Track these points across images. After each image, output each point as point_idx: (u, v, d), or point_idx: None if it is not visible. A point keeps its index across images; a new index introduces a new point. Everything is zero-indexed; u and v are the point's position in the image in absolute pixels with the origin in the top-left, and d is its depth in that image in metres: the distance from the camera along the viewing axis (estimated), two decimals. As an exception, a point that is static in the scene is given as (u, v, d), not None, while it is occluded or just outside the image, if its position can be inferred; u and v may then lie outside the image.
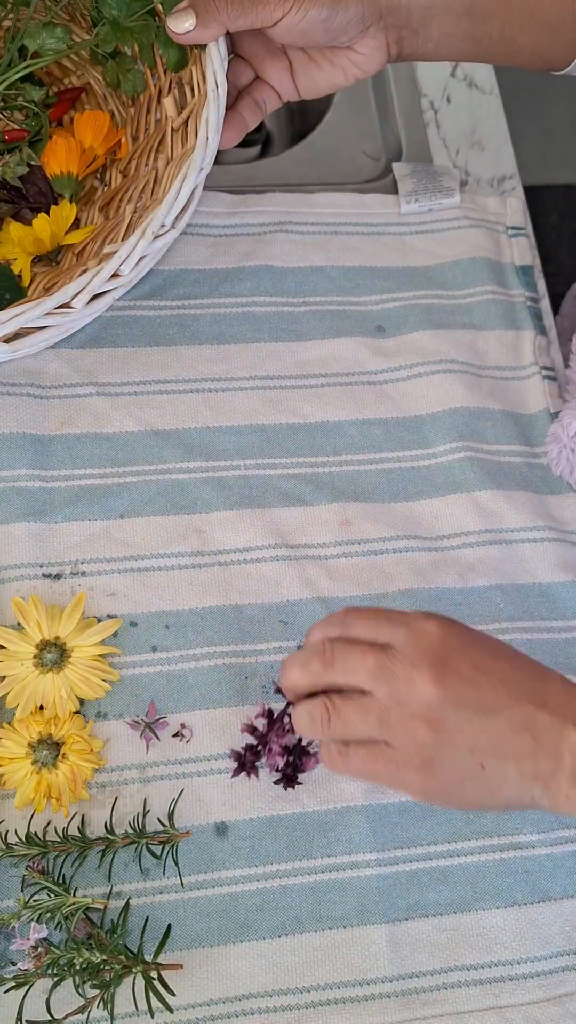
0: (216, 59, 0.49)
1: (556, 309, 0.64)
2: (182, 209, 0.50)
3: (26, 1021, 0.42)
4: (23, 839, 0.45)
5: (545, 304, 0.64)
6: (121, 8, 0.52)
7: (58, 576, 0.51)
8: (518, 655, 0.41)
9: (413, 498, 0.56)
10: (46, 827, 0.46)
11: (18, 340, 0.47)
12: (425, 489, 0.56)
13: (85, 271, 0.49)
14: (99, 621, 0.50)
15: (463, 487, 0.56)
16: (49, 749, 0.46)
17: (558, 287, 0.65)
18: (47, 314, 0.46)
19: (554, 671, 0.41)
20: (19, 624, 0.49)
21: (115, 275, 0.48)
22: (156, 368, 0.57)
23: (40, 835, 0.46)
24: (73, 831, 0.46)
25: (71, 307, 0.46)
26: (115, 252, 0.48)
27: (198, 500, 0.54)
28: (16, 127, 0.58)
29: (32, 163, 0.55)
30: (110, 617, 0.50)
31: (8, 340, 0.46)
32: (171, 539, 0.52)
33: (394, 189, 0.65)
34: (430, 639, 0.39)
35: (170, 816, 0.47)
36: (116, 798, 0.47)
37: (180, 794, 0.47)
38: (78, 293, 0.46)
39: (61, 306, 0.46)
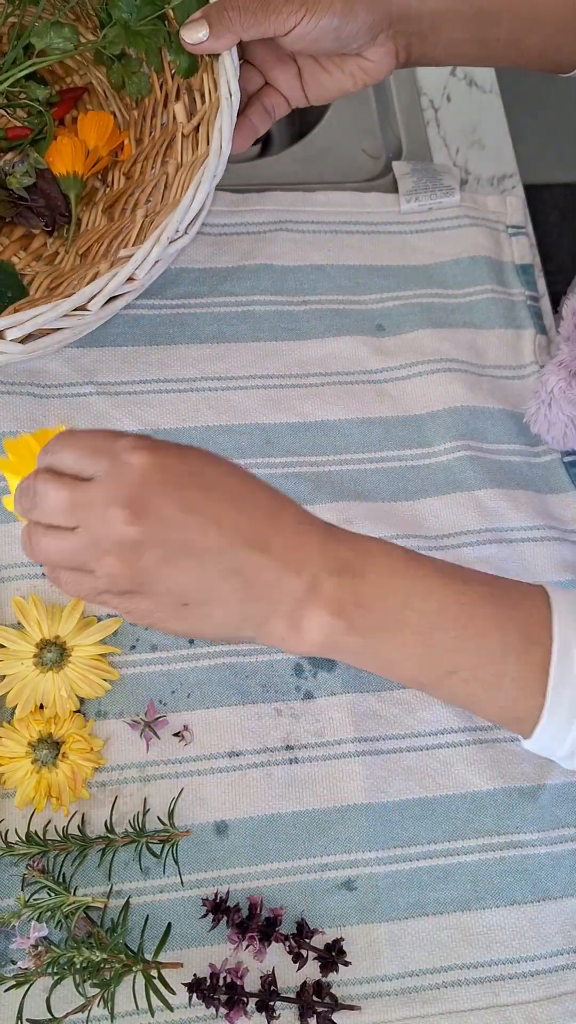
0: (229, 67, 0.50)
1: (556, 308, 0.64)
2: (195, 217, 0.50)
3: (26, 1020, 0.42)
4: (23, 838, 0.45)
5: (545, 303, 0.64)
6: (132, 11, 0.52)
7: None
8: (253, 490, 0.37)
9: (413, 497, 0.56)
10: (46, 826, 0.46)
11: (32, 341, 0.47)
12: (425, 488, 0.56)
13: (98, 274, 0.49)
14: (99, 620, 0.50)
15: (463, 486, 0.56)
16: (49, 748, 0.46)
17: (558, 286, 0.65)
18: (64, 316, 0.46)
19: (292, 506, 0.38)
20: (19, 623, 0.49)
21: (130, 279, 0.48)
22: (156, 367, 0.57)
23: (40, 834, 0.46)
24: (73, 830, 0.46)
25: (87, 309, 0.46)
26: (131, 256, 0.48)
27: (198, 499, 0.54)
28: (19, 125, 0.58)
29: (39, 167, 0.55)
30: (110, 616, 0.50)
31: (22, 341, 0.46)
32: (171, 538, 0.52)
33: (394, 188, 0.65)
34: (131, 475, 0.35)
35: (170, 815, 0.47)
36: (116, 797, 0.47)
37: (180, 793, 0.47)
38: (95, 296, 0.47)
39: (77, 308, 0.46)
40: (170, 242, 0.49)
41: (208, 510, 0.36)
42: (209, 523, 0.36)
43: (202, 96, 0.55)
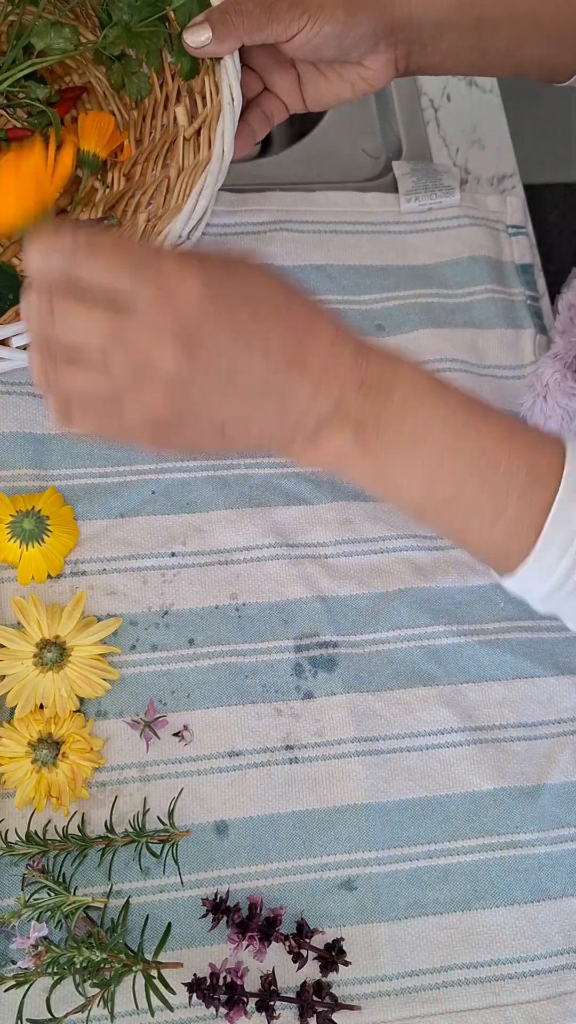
0: (231, 71, 0.50)
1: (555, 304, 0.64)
2: (197, 222, 0.50)
3: (26, 1020, 0.42)
4: (23, 838, 0.45)
5: (545, 303, 0.64)
6: (132, 12, 0.52)
7: (58, 575, 0.51)
8: (293, 303, 0.36)
9: (413, 497, 0.56)
10: (46, 826, 0.46)
11: None
12: (425, 488, 0.56)
13: None
14: (99, 620, 0.50)
15: (463, 486, 0.56)
16: (49, 748, 0.46)
17: (558, 286, 0.65)
18: None
19: (326, 318, 0.36)
20: (19, 623, 0.49)
21: None
22: (156, 367, 0.57)
23: (40, 834, 0.46)
24: (73, 830, 0.46)
25: None
26: None
27: (198, 499, 0.54)
28: (19, 125, 0.58)
29: None
30: (110, 616, 0.50)
31: (26, 347, 0.47)
32: (171, 538, 0.52)
33: (394, 188, 0.65)
34: (183, 305, 0.33)
35: (170, 815, 0.47)
36: (116, 797, 0.47)
37: (180, 793, 0.47)
38: None
39: None
40: (173, 248, 0.49)
41: (256, 333, 0.35)
42: (256, 348, 0.35)
43: (203, 99, 0.55)
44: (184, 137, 0.56)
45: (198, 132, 0.55)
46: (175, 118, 0.57)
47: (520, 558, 0.37)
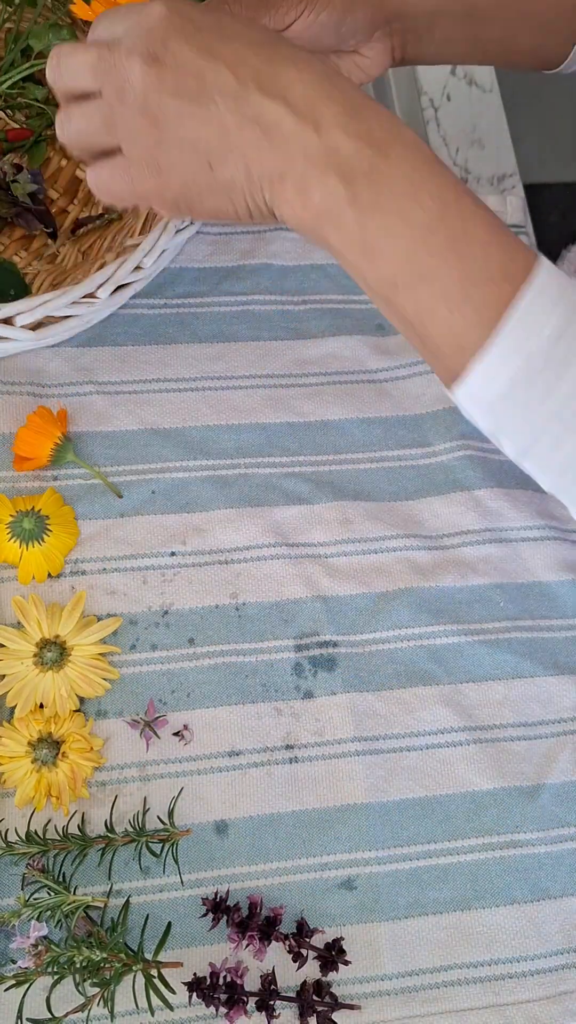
0: None
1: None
2: None
3: (26, 1019, 0.42)
4: (23, 837, 0.45)
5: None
6: None
7: (58, 575, 0.51)
8: (276, 41, 0.37)
9: (413, 497, 0.56)
10: (46, 825, 0.46)
11: (42, 328, 0.47)
12: (425, 488, 0.56)
13: (105, 263, 0.49)
14: (99, 619, 0.50)
15: (463, 485, 0.56)
16: (49, 747, 0.46)
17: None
18: (73, 303, 0.46)
19: (322, 64, 0.37)
20: (19, 623, 0.49)
21: (137, 268, 0.48)
22: (156, 366, 0.57)
23: (40, 833, 0.46)
24: (73, 829, 0.46)
25: (96, 297, 0.47)
26: (138, 245, 0.48)
27: (198, 499, 0.54)
28: (17, 127, 0.58)
29: (34, 186, 0.55)
30: (110, 615, 0.50)
31: (33, 328, 0.47)
32: (171, 538, 0.52)
33: (394, 187, 0.65)
34: (149, 23, 0.35)
35: (170, 814, 0.47)
36: (116, 796, 0.47)
37: (180, 792, 0.47)
38: (103, 283, 0.47)
39: (86, 296, 0.47)
40: (177, 231, 0.49)
41: (225, 54, 0.35)
42: (227, 67, 0.35)
43: None
44: None
45: None
46: None
47: (474, 350, 0.36)
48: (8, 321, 0.45)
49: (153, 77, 0.35)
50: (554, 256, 0.76)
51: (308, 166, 0.35)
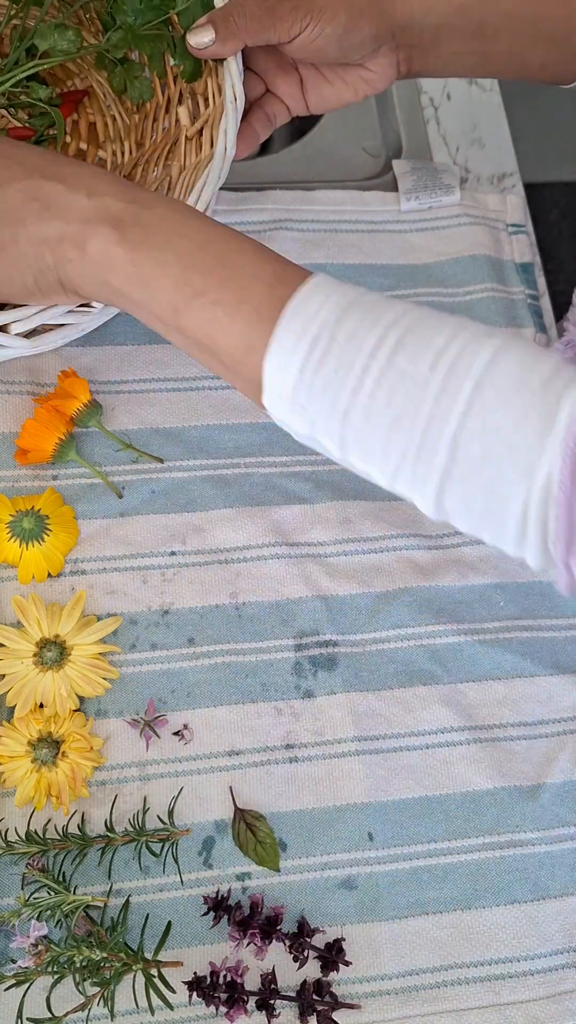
0: (234, 71, 0.50)
1: (556, 310, 0.64)
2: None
3: (27, 1019, 0.42)
4: (23, 837, 0.45)
5: (545, 302, 0.64)
6: (137, 15, 0.52)
7: (58, 574, 0.51)
8: (58, 158, 0.43)
9: (413, 496, 0.56)
10: (46, 825, 0.46)
11: (37, 336, 0.47)
12: (425, 487, 0.56)
13: None
14: (99, 619, 0.50)
15: (463, 485, 0.56)
16: (49, 747, 0.46)
17: (558, 284, 0.65)
18: (68, 312, 0.46)
19: (101, 172, 0.42)
20: (19, 622, 0.49)
21: None
22: (156, 366, 0.57)
23: (40, 833, 0.46)
24: (73, 829, 0.46)
25: (92, 307, 0.47)
26: None
27: (198, 498, 0.54)
28: (20, 126, 0.58)
29: None
30: (110, 615, 0.50)
31: (27, 335, 0.47)
32: (171, 537, 0.52)
33: (394, 186, 0.65)
34: None
35: (170, 814, 0.47)
36: (116, 796, 0.47)
37: (180, 792, 0.47)
38: None
39: (81, 305, 0.47)
40: None
41: (13, 155, 0.43)
42: (14, 162, 0.42)
43: (205, 100, 0.55)
44: (186, 137, 0.56)
45: (200, 132, 0.55)
46: (177, 119, 0.57)
47: (262, 347, 0.38)
48: (3, 329, 0.45)
49: None
50: (555, 255, 0.76)
51: (82, 225, 0.41)
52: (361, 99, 0.53)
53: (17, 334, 0.46)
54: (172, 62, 0.54)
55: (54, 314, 0.46)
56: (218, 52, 0.49)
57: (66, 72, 0.61)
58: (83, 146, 0.61)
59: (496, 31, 0.51)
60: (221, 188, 0.61)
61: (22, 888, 0.45)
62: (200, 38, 0.49)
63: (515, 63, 0.53)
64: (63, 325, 0.48)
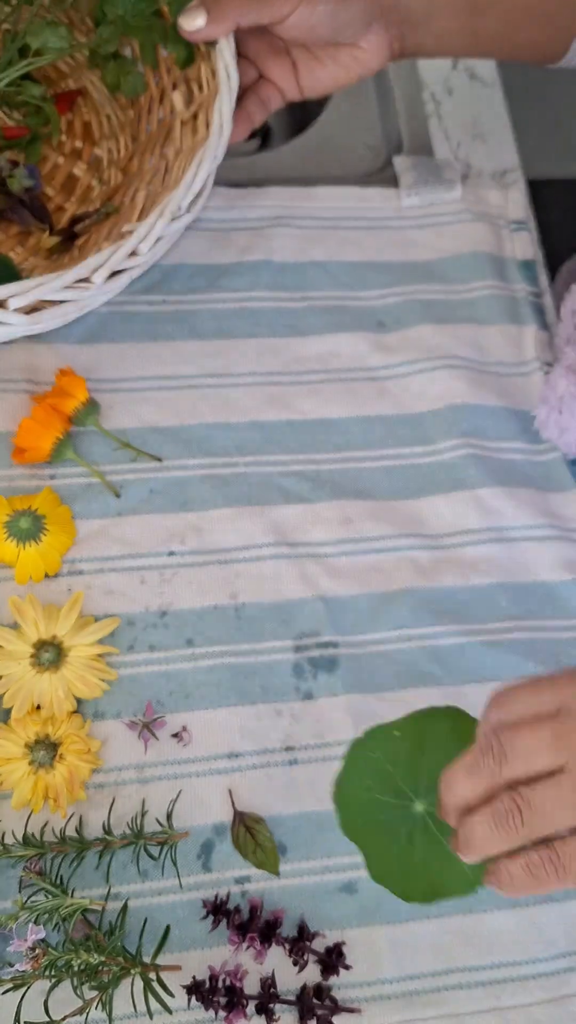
0: (227, 52, 0.50)
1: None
2: (196, 196, 0.50)
3: (24, 1023, 0.42)
4: (20, 840, 0.45)
5: (547, 299, 0.63)
6: (127, 7, 0.52)
7: (55, 575, 0.50)
8: None
9: (414, 495, 0.55)
10: (43, 828, 0.46)
11: (36, 313, 0.47)
12: (426, 486, 0.56)
13: (101, 250, 0.49)
14: (96, 620, 0.49)
15: (465, 484, 0.56)
16: (46, 749, 0.46)
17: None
18: (66, 287, 0.46)
19: None
20: (16, 623, 0.48)
21: (133, 254, 0.48)
22: (154, 364, 0.56)
23: (37, 836, 0.45)
24: (71, 832, 0.46)
25: (90, 282, 0.46)
26: (134, 231, 0.48)
27: (197, 498, 0.53)
28: (13, 125, 0.57)
29: (30, 181, 0.55)
30: (108, 616, 0.50)
31: (27, 312, 0.46)
32: (169, 537, 0.52)
33: (395, 183, 0.64)
34: None
35: (168, 816, 0.46)
36: (114, 799, 0.47)
37: (178, 794, 0.47)
38: (98, 268, 0.46)
39: (80, 280, 0.46)
40: (173, 219, 0.48)
41: None
42: None
43: (199, 86, 0.55)
44: (181, 121, 0.56)
45: (195, 116, 0.55)
46: (172, 107, 0.56)
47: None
48: (1, 305, 0.45)
49: None
50: (557, 252, 0.76)
51: None
52: (355, 80, 0.53)
53: (16, 310, 0.45)
54: (164, 52, 0.54)
55: (53, 288, 0.45)
56: (210, 34, 0.49)
57: (59, 73, 0.61)
58: (79, 144, 0.61)
59: (486, 7, 0.51)
60: (220, 184, 0.61)
61: (19, 891, 0.44)
62: (192, 21, 0.49)
63: (505, 42, 0.53)
64: (63, 302, 0.47)
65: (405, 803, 0.38)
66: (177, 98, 0.56)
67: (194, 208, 0.51)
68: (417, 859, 0.38)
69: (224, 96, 0.50)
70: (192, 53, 0.53)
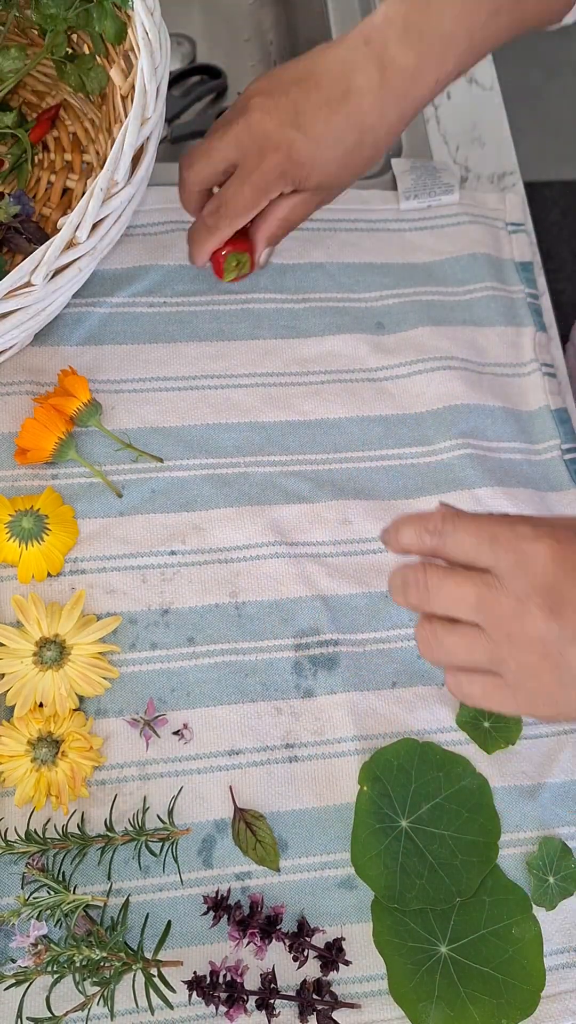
0: (141, 9, 0.47)
1: (557, 309, 0.64)
2: (136, 163, 0.46)
3: (26, 1018, 0.42)
4: (23, 836, 0.45)
5: (545, 300, 0.64)
6: (58, 5, 0.53)
7: (58, 574, 0.51)
8: None
9: (413, 495, 0.56)
10: (46, 824, 0.46)
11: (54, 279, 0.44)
12: (425, 486, 0.56)
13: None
14: (99, 618, 0.50)
15: (463, 484, 0.56)
16: (49, 747, 0.46)
17: (559, 283, 0.65)
18: (7, 295, 0.43)
19: None
20: (19, 622, 0.49)
21: (71, 245, 0.44)
22: (155, 365, 0.57)
23: (40, 832, 0.46)
24: (73, 828, 0.46)
25: (32, 284, 0.43)
26: (67, 221, 0.44)
27: (198, 497, 0.54)
28: None
29: (16, 208, 0.54)
30: (110, 614, 0.50)
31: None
32: (171, 536, 0.52)
33: (394, 186, 0.65)
34: (539, 565, 0.35)
35: (169, 813, 0.47)
36: (116, 795, 0.47)
37: (179, 791, 0.47)
38: (34, 268, 0.43)
39: (21, 286, 0.43)
40: (108, 196, 0.44)
41: None
42: None
43: (136, 55, 0.52)
44: (121, 96, 0.54)
45: (133, 87, 0.52)
46: (116, 86, 0.55)
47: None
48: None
49: (554, 624, 0.35)
50: (555, 254, 0.76)
51: None
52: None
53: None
54: (96, 27, 0.53)
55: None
56: (215, 246, 0.53)
57: (38, 95, 0.61)
58: (68, 157, 0.61)
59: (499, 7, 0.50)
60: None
61: (22, 887, 0.45)
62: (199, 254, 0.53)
63: (516, 21, 0.52)
64: (11, 312, 0.43)
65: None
66: (115, 73, 0.54)
67: (135, 177, 0.46)
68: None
69: (143, 53, 0.46)
70: (122, 26, 0.52)
